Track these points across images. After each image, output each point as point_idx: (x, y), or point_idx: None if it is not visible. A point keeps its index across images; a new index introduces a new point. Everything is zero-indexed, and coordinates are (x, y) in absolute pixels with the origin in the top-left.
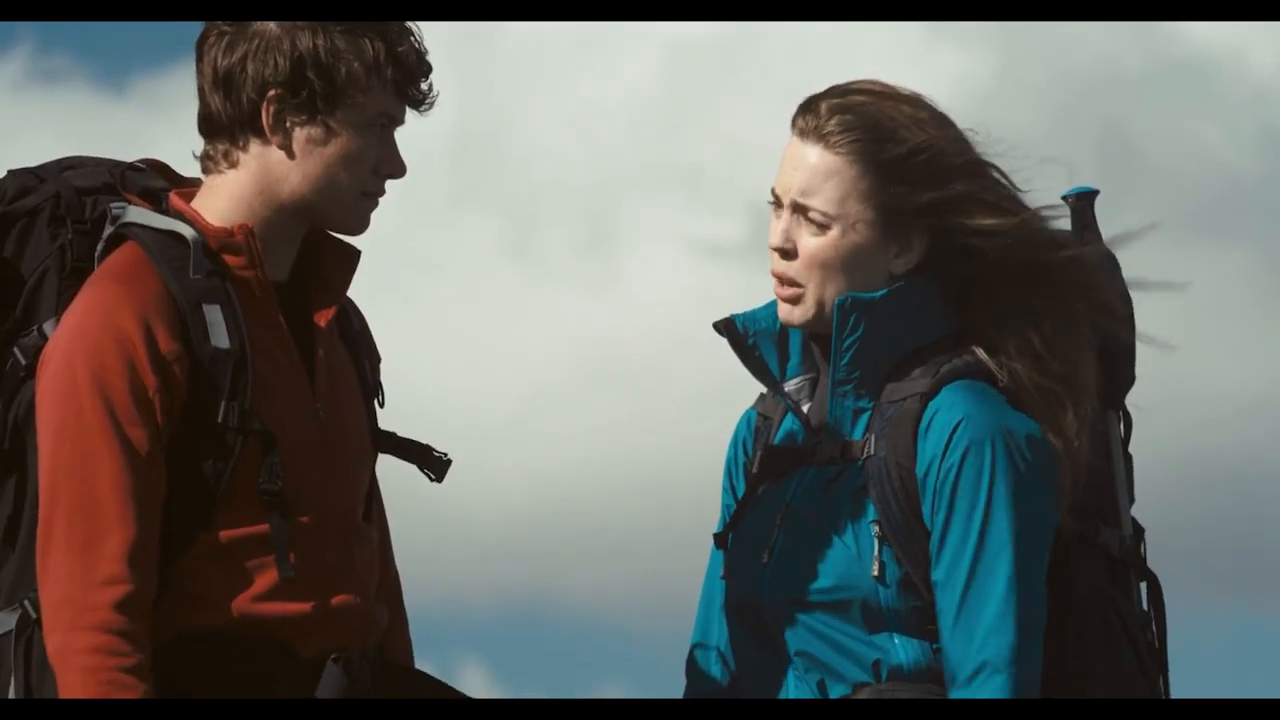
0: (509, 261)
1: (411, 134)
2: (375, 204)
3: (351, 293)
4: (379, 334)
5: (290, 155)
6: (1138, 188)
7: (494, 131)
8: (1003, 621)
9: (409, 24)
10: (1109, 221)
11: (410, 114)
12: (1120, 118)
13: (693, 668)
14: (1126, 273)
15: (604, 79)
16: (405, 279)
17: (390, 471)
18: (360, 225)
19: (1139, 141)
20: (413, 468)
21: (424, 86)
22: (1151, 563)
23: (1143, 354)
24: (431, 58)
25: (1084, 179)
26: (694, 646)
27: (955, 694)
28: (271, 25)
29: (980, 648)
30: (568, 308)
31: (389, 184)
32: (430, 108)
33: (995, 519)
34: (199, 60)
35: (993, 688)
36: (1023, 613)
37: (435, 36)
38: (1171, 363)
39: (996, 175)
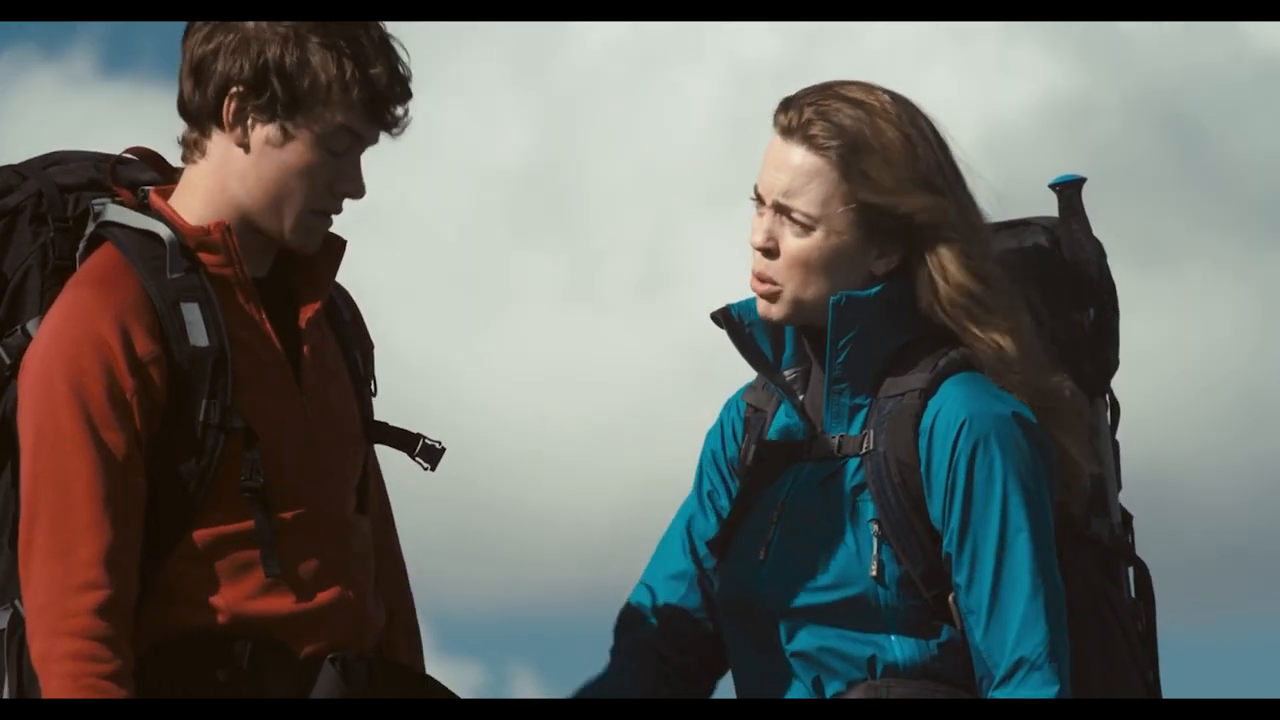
0: (572, 296)
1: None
2: (328, 222)
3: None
4: (455, 358)
5: (247, 152)
6: (1215, 188)
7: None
8: (1034, 617)
9: (396, 45)
10: (1194, 229)
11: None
12: (1201, 119)
13: (627, 609)
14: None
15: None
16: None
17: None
18: (307, 242)
19: (1220, 142)
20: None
21: (396, 110)
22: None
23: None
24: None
25: (1163, 180)
26: (640, 584)
27: (995, 693)
28: (251, 26)
29: (1016, 645)
30: (630, 337)
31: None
32: (402, 131)
33: (1012, 515)
34: (182, 45)
35: (1033, 684)
36: (1050, 605)
37: (495, 73)
38: (1255, 363)
39: (968, 182)
